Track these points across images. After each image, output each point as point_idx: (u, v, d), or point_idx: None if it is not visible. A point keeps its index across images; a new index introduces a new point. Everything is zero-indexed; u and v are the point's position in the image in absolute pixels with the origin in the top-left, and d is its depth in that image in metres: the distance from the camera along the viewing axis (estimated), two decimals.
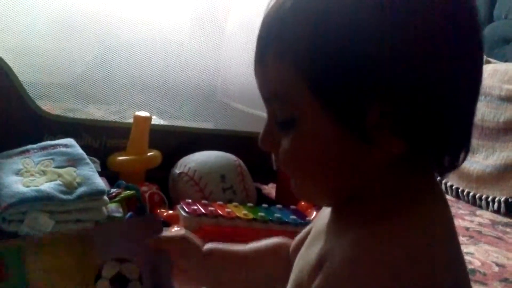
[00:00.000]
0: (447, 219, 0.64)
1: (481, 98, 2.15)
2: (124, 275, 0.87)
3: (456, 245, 0.63)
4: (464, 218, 2.01)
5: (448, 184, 2.23)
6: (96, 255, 0.87)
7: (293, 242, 0.88)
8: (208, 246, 0.87)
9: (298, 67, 0.59)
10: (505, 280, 1.50)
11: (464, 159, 0.63)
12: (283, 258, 0.84)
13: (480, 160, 2.18)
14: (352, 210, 0.64)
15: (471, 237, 1.81)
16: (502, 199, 2.09)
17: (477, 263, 1.59)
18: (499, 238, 1.84)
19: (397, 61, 0.56)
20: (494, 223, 2.00)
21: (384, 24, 0.56)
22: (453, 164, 0.63)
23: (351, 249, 0.59)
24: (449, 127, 0.60)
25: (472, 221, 1.99)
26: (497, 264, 1.60)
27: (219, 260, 0.85)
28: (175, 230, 1.32)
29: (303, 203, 1.50)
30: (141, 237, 0.87)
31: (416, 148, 0.59)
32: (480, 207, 2.15)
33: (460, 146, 0.63)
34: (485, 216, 2.07)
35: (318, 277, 0.61)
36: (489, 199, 2.13)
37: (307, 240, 0.76)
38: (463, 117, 0.61)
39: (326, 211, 0.74)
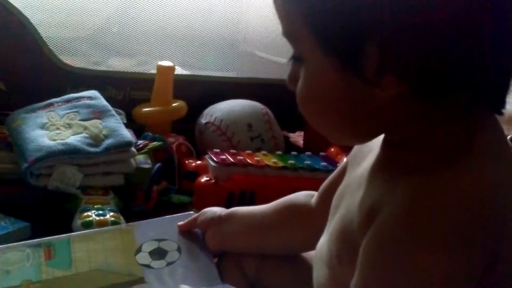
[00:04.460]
0: (508, 161, 0.61)
1: None
2: (163, 248, 0.96)
3: None
4: None
5: None
6: (136, 239, 0.98)
7: (324, 185, 0.87)
8: (228, 211, 0.94)
9: (300, 9, 0.59)
10: None
11: (502, 101, 0.60)
12: (301, 224, 0.88)
13: None
14: (399, 156, 0.62)
15: None
16: None
17: None
18: None
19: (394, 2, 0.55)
20: None
21: None
22: (494, 107, 0.60)
23: (406, 201, 0.57)
24: (465, 68, 0.56)
25: None
26: None
27: (235, 224, 0.92)
28: (205, 179, 1.30)
29: (332, 149, 1.47)
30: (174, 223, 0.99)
31: (428, 91, 0.57)
32: None
33: (490, 88, 0.59)
34: None
35: (370, 229, 0.59)
36: None
37: (345, 185, 0.73)
38: (481, 54, 0.57)
39: (363, 155, 0.72)
